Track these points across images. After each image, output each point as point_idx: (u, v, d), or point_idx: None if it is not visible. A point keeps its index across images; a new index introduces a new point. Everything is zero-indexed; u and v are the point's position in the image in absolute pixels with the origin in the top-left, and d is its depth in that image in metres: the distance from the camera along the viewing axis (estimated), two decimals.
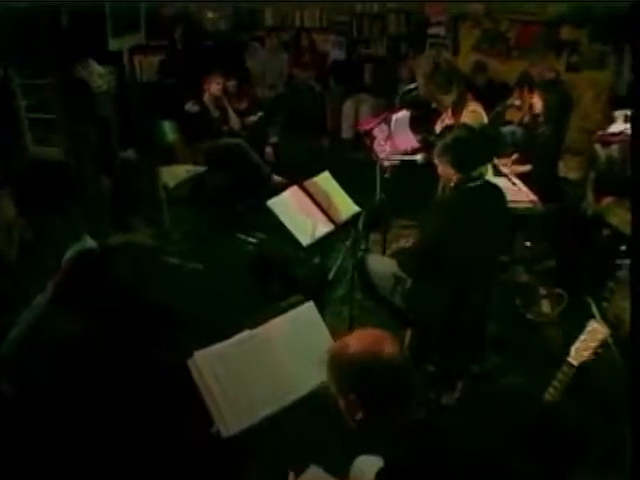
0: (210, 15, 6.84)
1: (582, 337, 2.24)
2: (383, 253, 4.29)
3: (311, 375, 2.25)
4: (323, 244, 4.73)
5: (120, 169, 4.92)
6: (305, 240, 2.89)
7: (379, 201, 3.34)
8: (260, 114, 5.77)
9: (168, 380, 3.27)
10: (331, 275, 3.39)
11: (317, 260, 4.65)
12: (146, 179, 4.94)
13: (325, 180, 3.22)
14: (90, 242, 4.53)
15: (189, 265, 4.60)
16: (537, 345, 3.83)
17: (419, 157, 3.10)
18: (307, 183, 3.08)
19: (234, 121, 5.47)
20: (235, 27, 7.09)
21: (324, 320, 3.42)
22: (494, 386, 3.08)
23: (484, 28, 6.60)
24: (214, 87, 5.28)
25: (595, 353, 2.20)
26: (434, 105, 3.45)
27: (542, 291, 4.26)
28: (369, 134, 3.72)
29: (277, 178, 5.51)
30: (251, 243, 5.00)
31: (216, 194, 5.18)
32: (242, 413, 2.07)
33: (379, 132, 3.89)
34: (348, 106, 7.04)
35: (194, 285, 4.31)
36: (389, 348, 1.54)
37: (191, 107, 5.23)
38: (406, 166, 3.32)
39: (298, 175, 5.75)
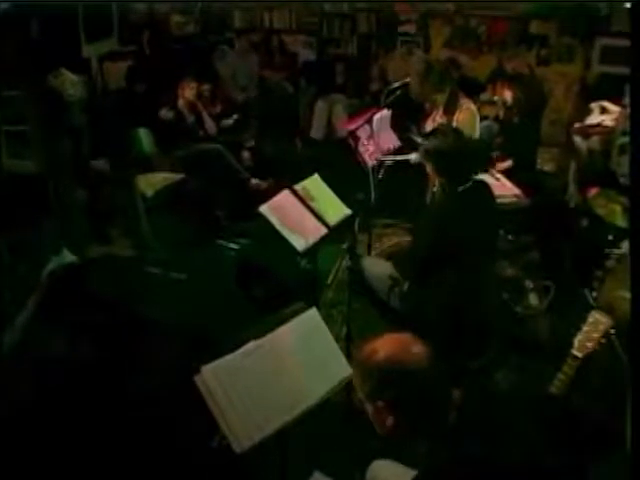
0: (177, 19, 6.72)
1: (584, 328, 2.25)
2: (368, 253, 4.27)
3: (319, 383, 2.22)
4: (309, 248, 4.73)
5: (94, 180, 4.80)
6: (300, 245, 2.84)
7: (375, 203, 3.30)
8: (235, 117, 5.69)
9: (157, 393, 3.21)
10: (330, 279, 3.34)
11: (304, 264, 4.63)
12: (122, 189, 4.83)
13: (315, 183, 3.17)
14: (69, 256, 4.40)
15: (172, 275, 4.51)
16: (527, 337, 3.86)
17: (413, 157, 3.08)
18: (297, 187, 3.03)
19: (210, 126, 5.39)
20: (203, 30, 6.98)
21: None
22: (498, 381, 3.07)
23: (455, 25, 6.64)
24: (188, 92, 5.18)
25: (599, 344, 2.21)
26: (427, 105, 3.43)
27: (528, 284, 4.29)
28: (353, 135, 3.68)
29: (256, 182, 5.45)
30: (233, 249, 4.93)
31: (195, 201, 5.08)
32: (253, 426, 2.00)
33: (362, 132, 3.86)
34: (320, 106, 7.00)
35: (178, 295, 4.23)
36: (418, 353, 1.51)
37: (165, 113, 5.12)
38: (392, 166, 3.30)
39: (277, 178, 5.85)
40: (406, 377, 1.48)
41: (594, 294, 3.66)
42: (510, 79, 4.55)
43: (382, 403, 1.48)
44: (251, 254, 4.72)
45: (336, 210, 3.16)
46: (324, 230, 2.97)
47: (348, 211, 3.20)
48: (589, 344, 2.21)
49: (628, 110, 3.80)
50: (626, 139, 3.65)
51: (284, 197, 2.93)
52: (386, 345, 1.54)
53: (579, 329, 3.64)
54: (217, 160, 5.16)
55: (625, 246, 3.51)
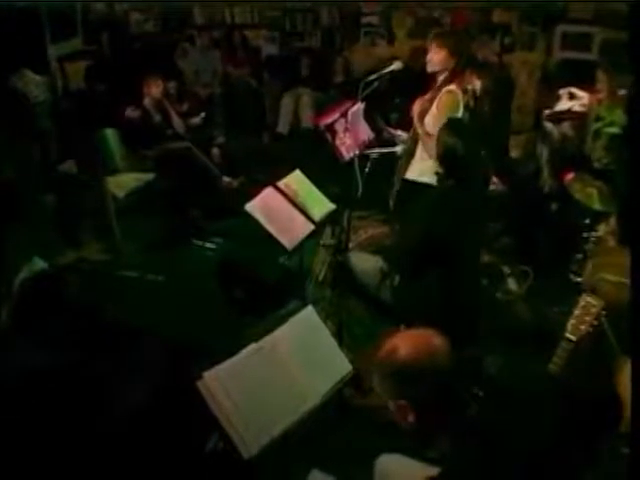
0: (137, 17, 6.56)
1: (576, 312, 2.27)
2: (346, 247, 4.26)
3: (321, 381, 2.20)
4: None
5: (62, 183, 4.66)
6: (289, 243, 2.79)
7: (362, 197, 3.27)
8: (203, 115, 5.60)
9: (142, 400, 3.14)
10: (321, 276, 3.31)
11: (284, 261, 4.59)
12: (91, 191, 4.71)
13: (297, 179, 3.13)
14: (40, 263, 4.27)
15: (148, 277, 4.42)
16: (509, 322, 3.91)
17: (399, 149, 3.06)
18: (281, 183, 2.98)
19: (177, 124, 5.28)
20: (163, 28, 6.84)
21: None
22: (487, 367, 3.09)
23: (418, 16, 6.65)
24: (154, 90, 5.07)
25: (592, 326, 2.24)
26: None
27: (506, 270, 4.35)
28: (331, 129, 3.64)
29: (227, 179, 5.38)
30: (209, 249, 4.86)
31: (167, 201, 4.98)
32: (260, 430, 1.97)
33: (338, 125, 3.83)
34: (287, 101, 6.95)
35: (157, 297, 4.15)
36: (438, 349, 1.49)
37: (132, 113, 5.00)
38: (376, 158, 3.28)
39: (248, 175, 5.78)
40: (428, 374, 1.46)
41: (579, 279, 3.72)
42: (479, 68, 4.58)
43: (404, 401, 1.46)
44: (229, 253, 4.65)
45: (320, 205, 3.13)
46: (311, 226, 2.94)
47: (332, 206, 3.17)
48: (582, 327, 2.24)
49: (601, 95, 3.86)
50: (599, 124, 3.71)
51: (269, 194, 2.88)
52: (405, 342, 1.51)
53: (564, 313, 3.71)
54: (188, 159, 5.06)
55: (602, 229, 3.58)
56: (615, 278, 3.12)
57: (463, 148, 2.46)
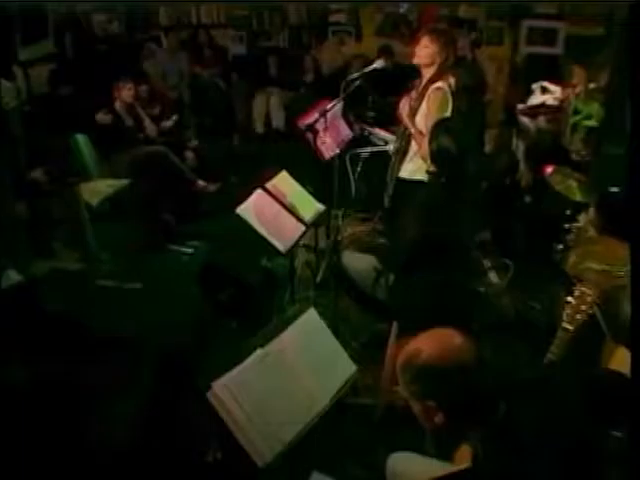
0: (100, 18, 6.40)
1: (572, 302, 2.30)
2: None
3: (328, 383, 2.18)
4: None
5: (33, 191, 4.51)
6: (283, 246, 2.75)
7: (355, 197, 3.25)
8: (175, 118, 5.50)
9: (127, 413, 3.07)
10: (319, 278, 3.27)
11: (264, 263, 4.54)
12: (64, 199, 4.57)
13: (284, 180, 3.09)
14: (14, 275, 4.14)
15: (126, 285, 4.32)
16: (493, 315, 3.94)
17: (390, 147, 3.05)
18: (269, 185, 2.93)
19: (150, 128, 5.18)
20: (128, 29, 6.69)
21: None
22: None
23: (385, 12, 6.67)
24: (125, 93, 4.95)
25: (588, 315, 2.28)
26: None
27: (487, 263, 4.39)
28: (312, 129, 3.61)
29: (202, 183, 5.31)
30: (185, 253, 4.78)
31: (142, 206, 4.88)
32: (273, 437, 1.93)
33: (319, 125, 3.80)
34: (258, 101, 6.89)
35: (136, 305, 4.06)
36: (463, 347, 1.48)
37: (103, 117, 4.87)
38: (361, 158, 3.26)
39: (221, 177, 5.71)
40: (455, 373, 1.45)
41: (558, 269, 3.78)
42: (454, 64, 4.59)
43: (433, 402, 1.45)
44: (211, 257, 4.58)
45: (309, 206, 3.09)
46: (303, 228, 2.90)
47: (321, 206, 3.14)
48: (578, 316, 2.26)
49: (577, 89, 3.93)
50: (577, 118, 3.78)
51: (259, 197, 2.83)
52: (429, 343, 1.50)
53: (546, 302, 3.76)
54: (162, 163, 4.98)
55: (582, 219, 3.65)
56: (600, 266, 3.18)
57: (457, 147, 2.47)
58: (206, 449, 2.56)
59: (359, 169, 3.25)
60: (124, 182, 4.76)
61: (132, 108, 5.06)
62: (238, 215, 2.71)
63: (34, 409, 2.90)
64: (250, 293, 4.03)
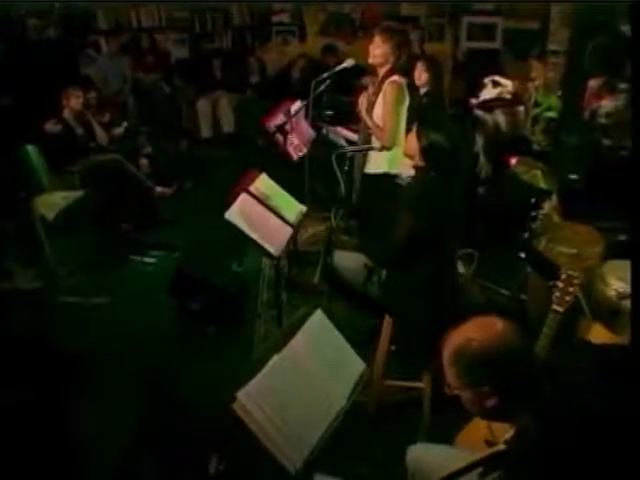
0: (35, 22, 6.11)
1: (559, 285, 2.40)
2: (294, 247, 4.24)
3: (342, 382, 2.18)
4: (240, 251, 4.58)
5: None
6: (274, 249, 2.72)
7: (346, 195, 3.25)
8: (125, 124, 5.34)
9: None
10: (316, 279, 3.25)
11: (234, 267, 4.48)
12: (18, 214, 4.36)
13: (265, 183, 3.06)
14: None
15: (92, 300, 4.17)
16: (462, 305, 4.05)
17: (376, 145, 3.07)
18: (252, 188, 2.90)
19: (101, 136, 5.01)
20: (65, 34, 6.42)
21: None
22: None
23: (328, 11, 6.70)
24: (74, 101, 4.76)
25: (575, 296, 2.39)
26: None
27: None
28: (282, 130, 3.60)
29: (160, 189, 5.18)
30: (149, 263, 4.66)
31: (100, 217, 4.71)
32: (299, 442, 1.92)
33: (287, 126, 3.80)
34: (203, 104, 6.78)
35: (106, 320, 3.93)
36: (509, 332, 1.53)
37: (52, 127, 4.67)
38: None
39: (180, 182, 5.59)
40: (508, 357, 1.50)
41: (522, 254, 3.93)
42: (426, 60, 4.60)
43: (487, 388, 1.49)
44: (173, 265, 4.47)
45: (292, 207, 3.08)
46: (290, 230, 2.88)
47: (303, 207, 3.13)
48: (567, 298, 2.37)
49: (537, 83, 4.07)
50: (538, 110, 3.93)
51: (245, 200, 2.79)
52: (477, 332, 1.54)
53: (520, 289, 3.87)
54: (117, 171, 4.82)
55: (547, 206, 3.80)
56: (571, 250, 3.33)
57: (447, 141, 2.52)
58: (208, 461, 2.53)
59: (347, 168, 3.25)
60: (80, 193, 4.59)
61: (82, 116, 4.88)
62: (227, 220, 2.65)
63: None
64: (224, 298, 3.98)
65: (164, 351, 3.57)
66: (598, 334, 1.96)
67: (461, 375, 1.54)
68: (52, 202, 4.47)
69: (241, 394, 1.87)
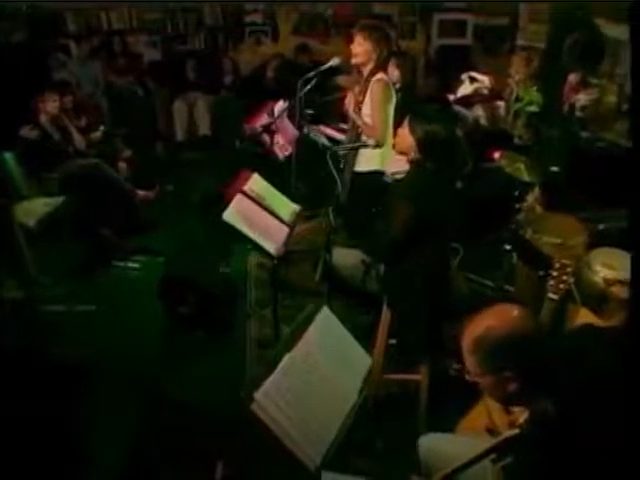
0: (2, 25, 5.95)
1: (553, 273, 2.46)
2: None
3: (351, 377, 2.22)
4: (227, 252, 4.56)
5: None
6: (274, 249, 2.72)
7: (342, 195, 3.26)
8: (102, 128, 5.26)
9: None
10: (317, 277, 3.25)
11: (222, 268, 4.47)
12: None
13: (258, 183, 3.06)
14: None
15: (78, 308, 4.11)
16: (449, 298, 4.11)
17: (371, 141, 3.09)
18: (246, 188, 2.90)
19: (78, 140, 4.92)
20: (33, 37, 6.27)
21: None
22: None
23: (301, 10, 6.71)
24: (50, 106, 4.67)
25: (569, 284, 2.45)
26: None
27: None
28: (268, 130, 3.60)
29: (142, 193, 5.13)
30: (134, 268, 4.62)
31: (81, 224, 4.63)
32: (318, 439, 1.95)
33: (273, 126, 3.81)
34: (179, 107, 6.72)
35: (92, 328, 3.88)
36: (527, 318, 1.58)
37: (28, 133, 4.58)
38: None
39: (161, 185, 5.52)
40: (529, 342, 1.55)
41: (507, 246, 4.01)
42: (397, 57, 4.65)
43: (509, 373, 1.53)
44: (158, 270, 4.43)
45: (286, 207, 3.08)
46: (286, 229, 2.89)
47: (296, 206, 3.14)
48: (562, 286, 2.43)
49: (517, 78, 4.15)
50: (519, 105, 4.01)
51: (240, 201, 2.78)
52: (497, 319, 1.59)
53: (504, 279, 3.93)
54: (97, 176, 4.74)
55: (530, 198, 3.88)
56: (555, 240, 3.42)
57: (442, 129, 2.56)
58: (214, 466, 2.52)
59: (342, 166, 3.27)
60: (60, 199, 4.50)
61: (58, 121, 4.79)
62: (225, 221, 2.64)
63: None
64: (213, 300, 3.97)
65: (154, 357, 3.56)
66: (586, 320, 2.05)
67: (482, 362, 1.58)
68: (32, 209, 4.38)
69: (259, 395, 1.89)
